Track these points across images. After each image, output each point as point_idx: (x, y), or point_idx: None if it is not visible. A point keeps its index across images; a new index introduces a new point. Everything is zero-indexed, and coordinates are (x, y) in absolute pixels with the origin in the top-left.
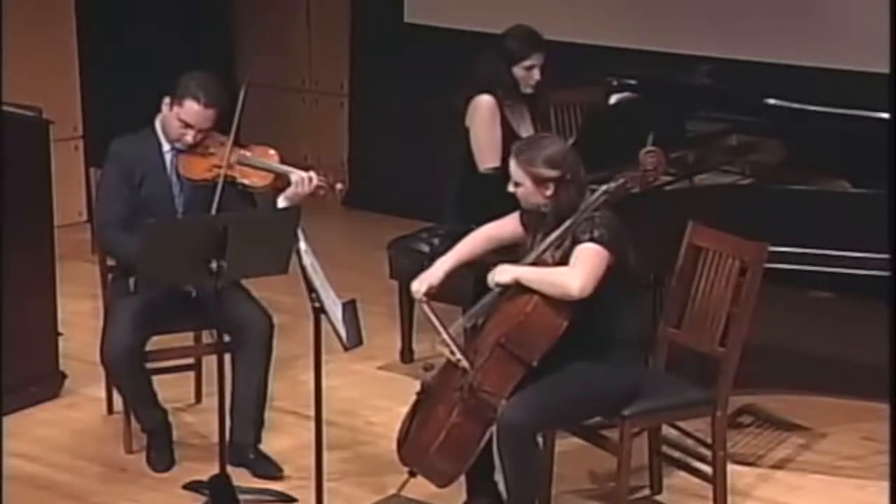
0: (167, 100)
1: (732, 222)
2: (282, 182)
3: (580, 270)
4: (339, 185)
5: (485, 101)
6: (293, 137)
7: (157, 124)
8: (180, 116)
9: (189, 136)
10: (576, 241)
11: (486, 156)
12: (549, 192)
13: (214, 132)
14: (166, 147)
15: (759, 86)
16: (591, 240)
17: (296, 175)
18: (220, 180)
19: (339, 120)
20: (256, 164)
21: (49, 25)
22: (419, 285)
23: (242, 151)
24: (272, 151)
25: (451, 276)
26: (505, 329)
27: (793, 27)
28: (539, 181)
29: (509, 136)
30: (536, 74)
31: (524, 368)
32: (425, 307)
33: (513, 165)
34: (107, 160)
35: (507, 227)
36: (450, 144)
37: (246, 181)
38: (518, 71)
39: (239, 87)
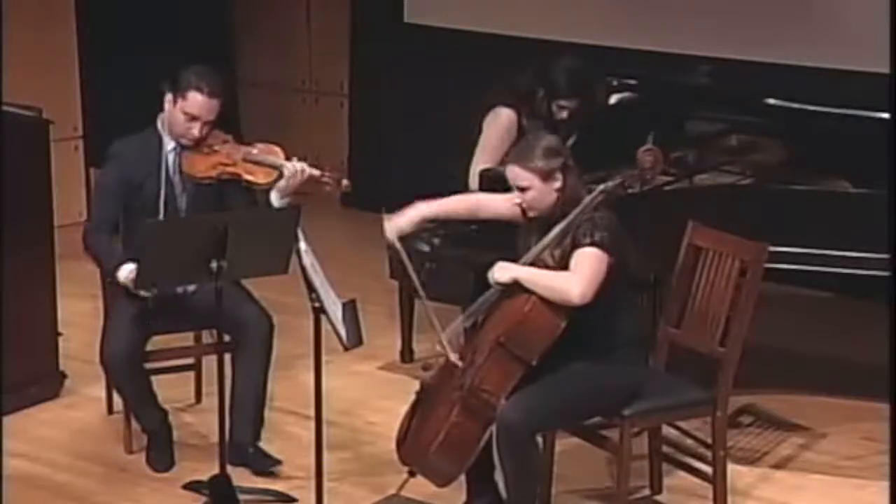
0: (169, 96)
1: (732, 222)
2: None
3: (581, 277)
4: (344, 182)
5: (506, 113)
6: (293, 137)
7: (160, 123)
8: (185, 109)
9: (195, 129)
10: (576, 244)
11: (481, 157)
12: (558, 185)
13: (217, 130)
14: (169, 146)
15: (759, 86)
16: (592, 243)
17: (288, 167)
18: (218, 175)
19: (339, 120)
20: (262, 161)
21: (49, 25)
22: (391, 233)
23: (248, 149)
24: (277, 149)
25: (425, 227)
26: (504, 328)
27: (793, 27)
28: (546, 175)
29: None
30: (564, 115)
31: (523, 367)
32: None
33: (515, 171)
34: (106, 161)
35: (502, 204)
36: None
37: (251, 178)
38: (553, 105)
39: (239, 87)
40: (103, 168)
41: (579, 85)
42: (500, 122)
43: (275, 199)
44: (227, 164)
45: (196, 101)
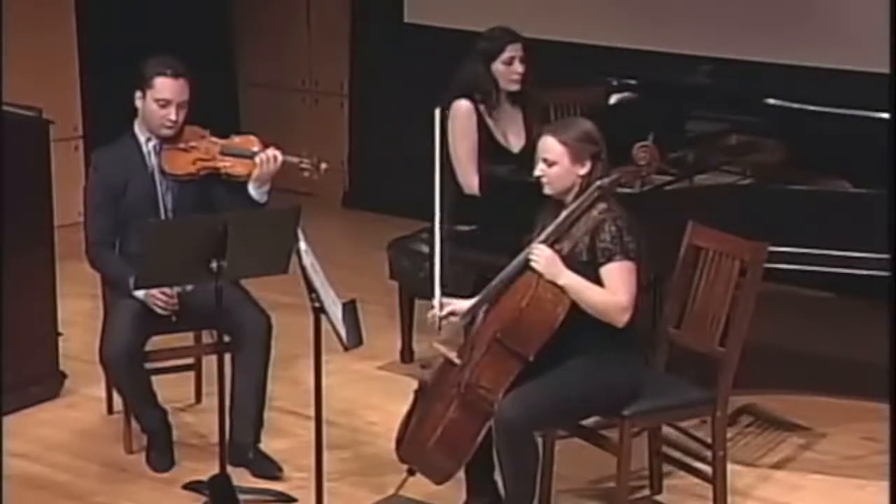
0: (138, 94)
1: (732, 222)
2: None
3: (626, 302)
4: (323, 165)
5: (462, 107)
6: (293, 137)
7: (136, 125)
8: (156, 97)
9: (172, 114)
10: (607, 255)
11: (466, 169)
12: (583, 171)
13: (194, 126)
14: (147, 147)
15: (759, 86)
16: (627, 257)
17: (260, 156)
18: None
19: (339, 120)
20: (238, 153)
21: (49, 25)
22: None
23: (224, 142)
24: (254, 139)
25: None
26: (501, 324)
27: (793, 27)
28: (577, 157)
29: (488, 144)
30: (518, 66)
31: (521, 363)
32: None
33: (549, 143)
34: (90, 172)
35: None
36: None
37: (231, 171)
38: (498, 67)
39: (239, 87)
40: (88, 180)
41: (504, 31)
42: (459, 117)
43: (252, 189)
44: (205, 160)
45: (164, 84)
